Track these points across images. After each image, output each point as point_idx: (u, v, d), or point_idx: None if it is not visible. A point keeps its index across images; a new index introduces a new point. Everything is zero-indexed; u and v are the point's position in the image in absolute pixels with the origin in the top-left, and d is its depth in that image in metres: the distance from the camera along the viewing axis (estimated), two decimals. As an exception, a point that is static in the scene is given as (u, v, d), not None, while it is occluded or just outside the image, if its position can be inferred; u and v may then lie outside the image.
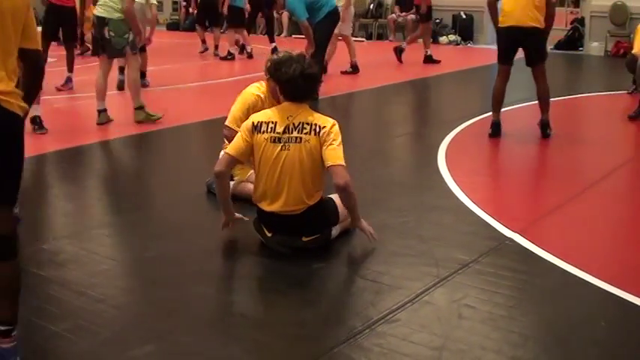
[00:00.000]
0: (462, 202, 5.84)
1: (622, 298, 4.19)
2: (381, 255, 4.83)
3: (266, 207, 4.78)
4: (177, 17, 23.68)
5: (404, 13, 19.33)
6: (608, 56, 16.33)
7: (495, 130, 8.21)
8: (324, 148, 4.67)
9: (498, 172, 7.32)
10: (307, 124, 4.71)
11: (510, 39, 8.01)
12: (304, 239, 4.77)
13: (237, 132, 4.97)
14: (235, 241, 5.04)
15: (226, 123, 5.70)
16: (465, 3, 18.48)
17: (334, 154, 4.65)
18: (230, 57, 15.25)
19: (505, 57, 8.16)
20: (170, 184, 6.58)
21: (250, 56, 15.43)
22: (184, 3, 23.34)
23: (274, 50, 13.43)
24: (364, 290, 4.33)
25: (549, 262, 4.69)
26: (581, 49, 17.44)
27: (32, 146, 7.06)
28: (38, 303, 4.07)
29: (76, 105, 10.31)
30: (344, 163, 4.67)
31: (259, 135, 4.75)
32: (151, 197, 6.34)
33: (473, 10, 18.22)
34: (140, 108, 8.60)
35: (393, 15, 19.53)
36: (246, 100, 5.67)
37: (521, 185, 6.80)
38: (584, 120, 10.08)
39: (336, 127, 4.74)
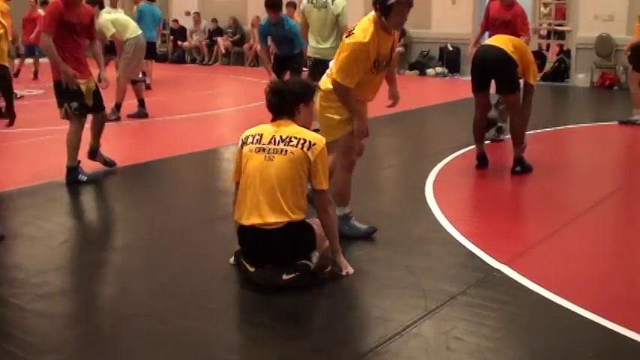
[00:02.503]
0: (449, 234, 5.85)
1: (610, 330, 4.19)
2: (369, 287, 4.83)
3: (246, 221, 4.73)
4: (165, 49, 23.76)
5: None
6: (593, 87, 16.43)
7: (482, 161, 8.23)
8: (314, 169, 4.72)
9: (485, 203, 7.32)
10: (295, 137, 4.74)
11: (482, 68, 8.10)
12: (285, 277, 4.68)
13: None
14: (222, 273, 5.03)
15: None
16: (452, 35, 18.60)
17: (323, 176, 4.78)
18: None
19: (479, 84, 8.21)
20: (155, 218, 6.56)
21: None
22: (172, 36, 23.46)
23: None
24: (352, 323, 4.33)
25: (537, 293, 4.69)
26: (567, 80, 17.56)
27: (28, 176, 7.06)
28: (23, 336, 4.04)
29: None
30: (327, 187, 4.83)
31: (246, 147, 4.82)
32: (138, 231, 6.31)
33: (459, 43, 18.32)
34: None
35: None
36: None
37: (508, 217, 6.81)
38: (570, 151, 10.13)
39: (322, 145, 4.80)
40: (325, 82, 5.59)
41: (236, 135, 10.27)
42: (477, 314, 4.39)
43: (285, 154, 4.70)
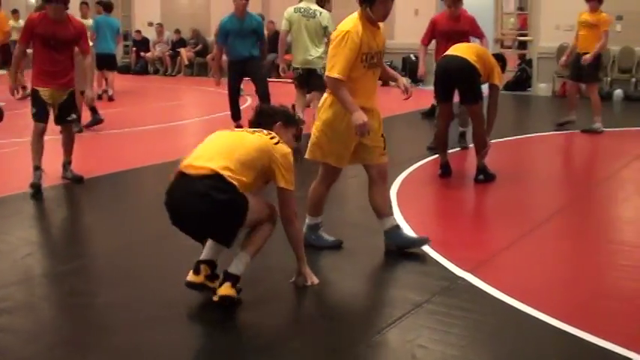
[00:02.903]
0: (414, 243, 5.87)
1: (574, 336, 4.23)
2: (334, 297, 4.84)
3: (181, 165, 4.66)
4: (128, 60, 23.67)
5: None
6: (555, 96, 16.61)
7: (445, 170, 8.29)
8: (276, 166, 4.65)
9: (449, 212, 7.37)
10: (264, 132, 4.77)
11: (446, 78, 8.14)
12: (220, 293, 4.58)
13: None
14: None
15: None
16: (415, 46, 18.50)
17: (286, 179, 4.69)
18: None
19: (443, 94, 8.26)
20: (120, 230, 6.53)
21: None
22: (135, 47, 23.37)
23: None
24: (318, 333, 4.32)
25: (501, 300, 4.73)
26: (529, 89, 17.72)
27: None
28: (-14, 352, 4.00)
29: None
30: (293, 190, 4.74)
31: None
32: (103, 244, 6.27)
33: (422, 53, 18.41)
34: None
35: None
36: None
37: (472, 225, 6.86)
38: (532, 159, 10.21)
39: (289, 156, 4.73)
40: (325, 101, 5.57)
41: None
42: (441, 322, 4.42)
43: (254, 134, 4.73)
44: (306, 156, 5.26)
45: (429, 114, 12.97)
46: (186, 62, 22.26)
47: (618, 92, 16.49)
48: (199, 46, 22.34)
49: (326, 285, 4.97)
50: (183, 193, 4.52)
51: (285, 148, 4.70)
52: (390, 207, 5.91)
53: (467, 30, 9.55)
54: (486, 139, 8.11)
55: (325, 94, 5.54)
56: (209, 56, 21.84)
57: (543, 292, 4.94)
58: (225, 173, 4.43)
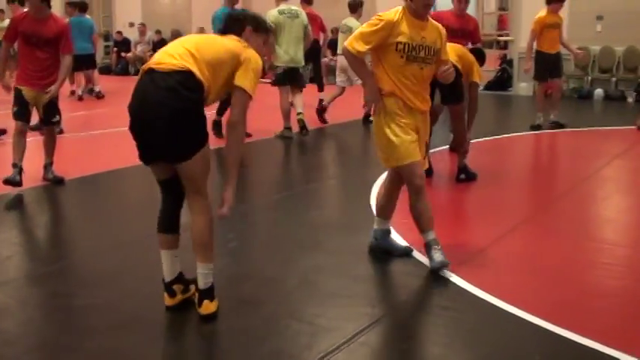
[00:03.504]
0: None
1: (555, 333, 4.24)
2: (316, 296, 4.83)
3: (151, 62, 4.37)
4: (109, 61, 23.60)
5: (336, 57, 19.52)
6: (536, 96, 16.67)
7: (427, 170, 8.27)
8: (244, 67, 4.37)
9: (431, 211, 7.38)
10: (235, 40, 4.53)
11: None
12: (202, 312, 4.48)
13: None
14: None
15: None
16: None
17: (247, 78, 4.36)
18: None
19: None
20: (101, 231, 6.50)
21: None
22: (115, 48, 23.30)
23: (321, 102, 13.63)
24: (300, 333, 4.32)
25: (483, 299, 4.74)
26: (510, 89, 17.80)
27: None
28: (-34, 354, 3.98)
29: None
30: (251, 93, 4.37)
31: None
32: (83, 246, 6.25)
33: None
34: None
35: (326, 59, 19.70)
36: None
37: (453, 224, 6.88)
38: (513, 159, 10.25)
39: (260, 62, 4.48)
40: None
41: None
42: (423, 321, 4.43)
43: (219, 37, 4.56)
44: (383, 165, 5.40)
45: None
46: (168, 63, 22.16)
47: (599, 92, 16.62)
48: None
49: (306, 285, 4.96)
50: (149, 87, 4.23)
51: (255, 53, 4.48)
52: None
53: (472, 30, 9.45)
54: (466, 139, 8.14)
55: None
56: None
57: (524, 291, 4.95)
58: (196, 71, 4.22)
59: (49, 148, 8.09)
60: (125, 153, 9.85)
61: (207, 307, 4.45)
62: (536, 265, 5.46)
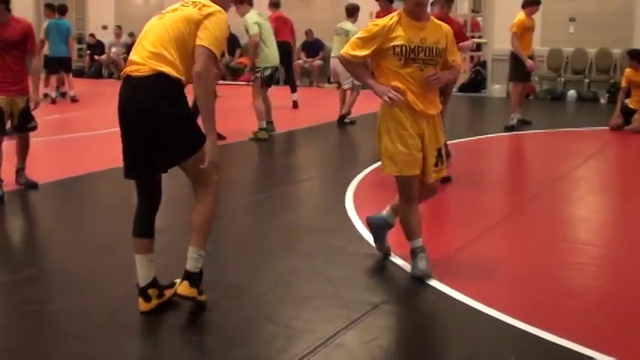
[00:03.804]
0: (369, 244, 5.86)
1: (531, 334, 4.24)
2: (291, 299, 4.81)
3: (127, 69, 4.47)
4: (82, 64, 23.45)
5: (310, 59, 19.56)
6: (509, 98, 16.74)
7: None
8: (202, 25, 4.33)
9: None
10: (194, 1, 4.49)
11: None
12: (179, 291, 4.47)
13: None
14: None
15: None
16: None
17: (207, 35, 4.30)
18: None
19: None
20: (74, 235, 6.45)
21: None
22: (89, 51, 23.17)
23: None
24: (275, 336, 4.30)
25: (459, 300, 4.74)
26: (483, 91, 17.88)
27: None
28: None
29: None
30: (213, 49, 4.29)
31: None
32: (59, 249, 6.19)
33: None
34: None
35: (300, 61, 19.70)
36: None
37: (428, 226, 6.84)
38: (488, 160, 10.28)
39: (225, 16, 4.44)
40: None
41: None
42: (399, 322, 4.43)
43: (176, 11, 4.48)
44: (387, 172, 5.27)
45: None
46: (141, 65, 22.07)
47: (572, 93, 16.74)
48: (154, 50, 22.20)
49: (281, 287, 4.94)
50: (129, 95, 4.46)
51: (214, 7, 4.41)
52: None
53: (456, 33, 9.48)
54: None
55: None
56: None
57: (500, 292, 4.96)
58: (166, 69, 4.28)
59: (22, 153, 7.97)
60: (99, 156, 9.84)
61: (185, 288, 4.42)
62: (511, 266, 5.47)
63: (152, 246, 4.57)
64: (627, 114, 12.20)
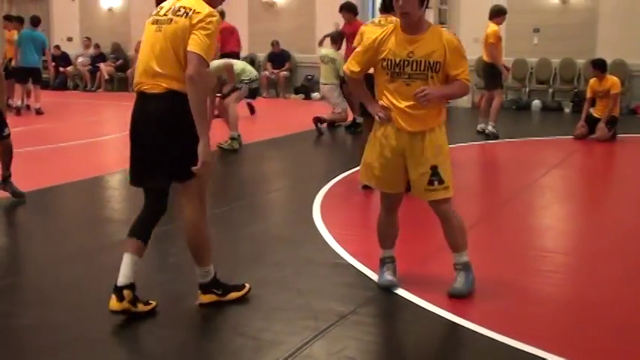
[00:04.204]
0: (338, 254, 5.89)
1: (500, 342, 4.27)
2: (259, 311, 4.81)
3: (135, 85, 4.69)
4: (47, 76, 23.27)
5: (276, 70, 19.57)
6: (475, 108, 16.86)
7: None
8: (192, 33, 4.45)
9: (372, 222, 7.37)
10: (184, 7, 4.56)
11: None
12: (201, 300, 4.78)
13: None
14: (108, 302, 4.93)
15: None
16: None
17: (197, 42, 4.42)
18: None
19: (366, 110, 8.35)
20: (43, 248, 6.40)
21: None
22: (54, 62, 23.00)
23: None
24: (244, 348, 4.30)
25: (426, 309, 4.76)
26: (449, 101, 17.96)
27: None
28: None
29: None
30: (203, 54, 4.41)
31: (148, 20, 4.75)
32: (21, 263, 6.14)
33: (344, 66, 18.56)
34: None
35: (266, 72, 19.71)
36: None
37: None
38: (454, 169, 10.28)
39: (215, 19, 4.53)
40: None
41: (122, 162, 10.14)
42: (367, 332, 4.43)
43: (171, 23, 4.55)
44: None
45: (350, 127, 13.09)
46: (107, 77, 21.99)
47: (536, 102, 16.89)
48: (120, 61, 22.12)
49: (250, 299, 4.93)
50: (142, 111, 4.64)
51: (199, 14, 4.50)
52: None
53: None
54: None
55: None
56: (129, 71, 21.65)
57: (468, 300, 4.98)
58: (176, 87, 4.50)
59: (6, 159, 7.85)
60: (65, 169, 9.77)
61: (201, 298, 4.80)
62: (478, 274, 5.47)
63: (142, 250, 4.66)
64: (592, 123, 12.34)
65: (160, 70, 4.53)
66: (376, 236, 5.33)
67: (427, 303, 4.84)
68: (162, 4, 4.74)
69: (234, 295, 4.87)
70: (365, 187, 8.26)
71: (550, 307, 4.96)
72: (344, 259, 5.77)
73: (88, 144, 12.15)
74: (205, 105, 4.56)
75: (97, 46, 22.52)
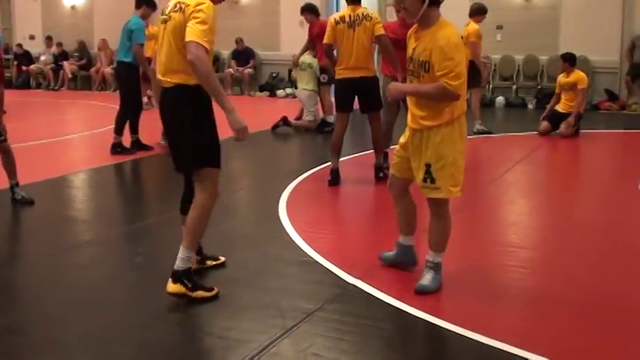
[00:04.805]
0: (304, 252, 5.89)
1: (468, 337, 4.29)
2: (227, 309, 4.80)
3: (158, 75, 5.00)
4: (9, 74, 23.04)
5: (240, 67, 19.53)
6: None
7: (334, 177, 8.41)
8: (187, 26, 4.69)
9: (339, 219, 7.43)
10: (180, 2, 4.82)
11: (347, 89, 8.29)
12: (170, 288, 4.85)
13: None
14: (77, 301, 4.90)
15: None
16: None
17: (190, 31, 4.66)
18: None
19: (343, 105, 8.41)
20: (5, 250, 6.34)
21: None
22: (16, 61, 22.78)
23: None
24: (212, 347, 4.30)
25: (393, 306, 4.78)
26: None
27: None
28: None
29: None
30: (199, 40, 4.62)
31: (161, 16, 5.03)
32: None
33: (309, 63, 18.54)
34: None
35: (230, 69, 19.66)
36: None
37: (361, 231, 6.93)
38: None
39: (205, 5, 4.72)
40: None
41: (86, 161, 10.09)
42: (334, 330, 4.44)
43: (170, 20, 4.85)
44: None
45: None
46: (70, 75, 21.82)
47: (500, 99, 16.99)
48: (83, 60, 21.96)
49: (218, 298, 4.92)
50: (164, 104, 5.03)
51: (190, 7, 4.74)
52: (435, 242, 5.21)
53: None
54: (384, 141, 8.66)
55: None
56: (92, 69, 21.50)
57: (434, 295, 5.01)
58: (182, 80, 4.82)
59: (10, 167, 7.79)
60: (28, 169, 9.66)
61: (169, 286, 4.84)
62: (444, 269, 5.50)
63: None
64: (556, 119, 12.44)
65: (169, 66, 4.86)
66: (354, 231, 5.37)
67: (394, 299, 4.85)
68: (168, 2, 4.99)
69: (201, 293, 4.88)
70: (331, 181, 8.36)
71: (517, 302, 5.00)
72: (310, 257, 5.78)
73: (51, 143, 12.05)
74: (216, 82, 4.74)
75: (59, 44, 22.33)
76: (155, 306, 4.83)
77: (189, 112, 4.85)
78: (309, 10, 12.43)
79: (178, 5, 4.81)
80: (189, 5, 4.74)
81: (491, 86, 17.41)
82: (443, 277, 5.13)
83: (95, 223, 7.21)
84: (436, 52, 4.69)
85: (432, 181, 4.99)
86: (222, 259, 5.58)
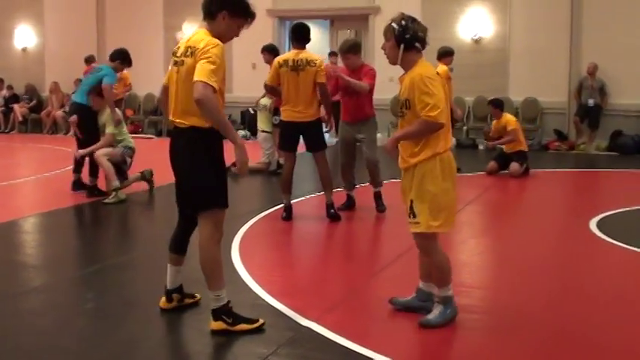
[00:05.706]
0: (258, 295, 5.86)
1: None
2: (176, 355, 4.76)
3: (170, 116, 5.13)
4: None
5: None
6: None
7: (288, 213, 8.51)
8: (196, 65, 4.77)
9: (293, 261, 7.41)
10: (190, 46, 4.91)
11: (292, 131, 8.61)
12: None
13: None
14: (25, 349, 4.82)
15: None
16: (253, 99, 18.69)
17: (198, 71, 4.71)
18: None
19: (288, 146, 8.69)
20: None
21: None
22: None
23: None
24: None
25: (345, 347, 4.76)
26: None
27: None
28: None
29: None
30: (206, 79, 4.67)
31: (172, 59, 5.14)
32: None
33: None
34: None
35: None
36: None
37: (316, 273, 6.92)
38: (372, 207, 10.41)
39: (215, 48, 4.79)
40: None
41: (37, 206, 9.97)
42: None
43: (183, 64, 4.94)
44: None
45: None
46: (20, 118, 21.63)
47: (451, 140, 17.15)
48: (34, 102, 21.80)
49: (167, 346, 4.88)
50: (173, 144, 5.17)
51: (199, 50, 4.83)
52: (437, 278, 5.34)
53: (361, 78, 9.33)
54: (331, 180, 8.78)
55: None
56: (43, 112, 21.34)
57: (386, 336, 5.01)
58: (197, 123, 4.92)
59: None
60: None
61: (211, 324, 5.02)
62: (395, 312, 5.52)
63: (182, 260, 5.51)
64: (503, 159, 12.76)
65: (185, 109, 4.95)
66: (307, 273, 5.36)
67: (346, 340, 4.84)
68: (179, 44, 5.10)
69: (244, 326, 5.00)
70: (285, 217, 8.48)
71: (472, 339, 5.02)
72: (264, 300, 5.75)
73: (1, 187, 11.89)
74: (225, 119, 4.87)
75: (10, 87, 22.15)
76: (105, 352, 4.76)
77: (200, 155, 4.97)
78: (269, 50, 12.43)
79: (189, 50, 4.90)
80: (197, 48, 4.83)
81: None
82: (400, 319, 5.11)
83: (45, 268, 7.11)
84: (413, 88, 4.95)
85: (414, 215, 5.13)
86: (198, 296, 5.65)
